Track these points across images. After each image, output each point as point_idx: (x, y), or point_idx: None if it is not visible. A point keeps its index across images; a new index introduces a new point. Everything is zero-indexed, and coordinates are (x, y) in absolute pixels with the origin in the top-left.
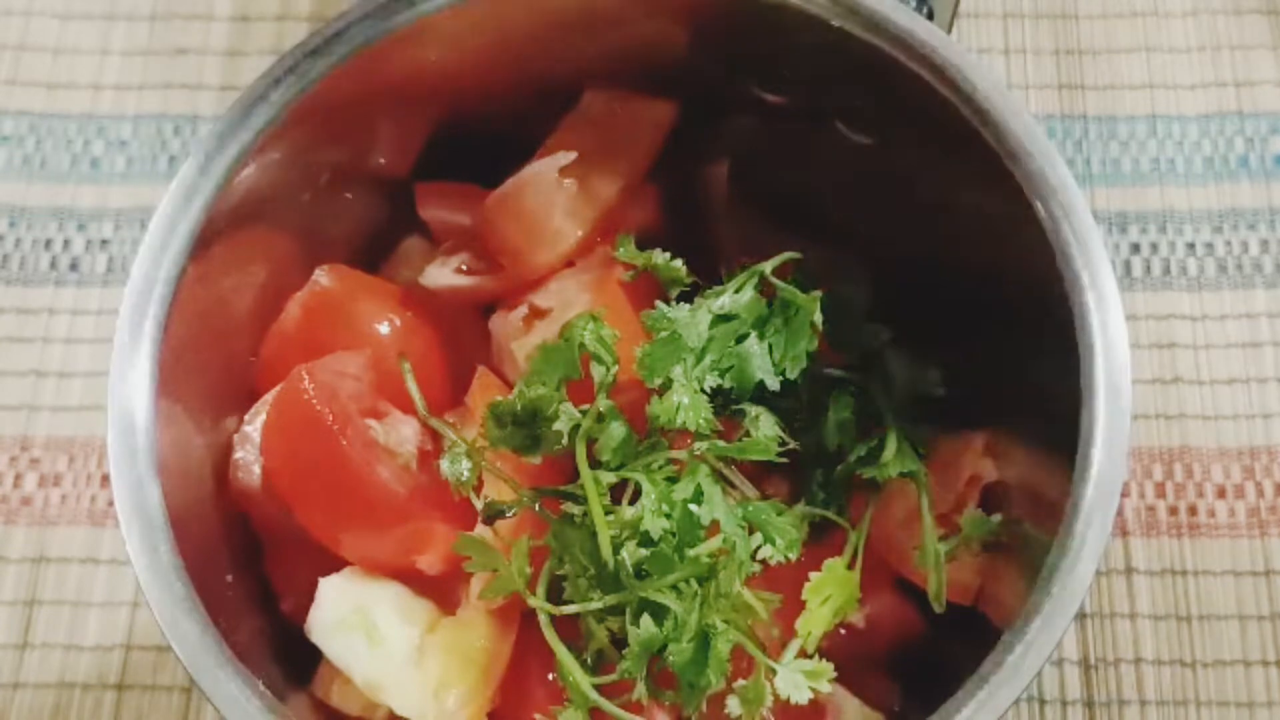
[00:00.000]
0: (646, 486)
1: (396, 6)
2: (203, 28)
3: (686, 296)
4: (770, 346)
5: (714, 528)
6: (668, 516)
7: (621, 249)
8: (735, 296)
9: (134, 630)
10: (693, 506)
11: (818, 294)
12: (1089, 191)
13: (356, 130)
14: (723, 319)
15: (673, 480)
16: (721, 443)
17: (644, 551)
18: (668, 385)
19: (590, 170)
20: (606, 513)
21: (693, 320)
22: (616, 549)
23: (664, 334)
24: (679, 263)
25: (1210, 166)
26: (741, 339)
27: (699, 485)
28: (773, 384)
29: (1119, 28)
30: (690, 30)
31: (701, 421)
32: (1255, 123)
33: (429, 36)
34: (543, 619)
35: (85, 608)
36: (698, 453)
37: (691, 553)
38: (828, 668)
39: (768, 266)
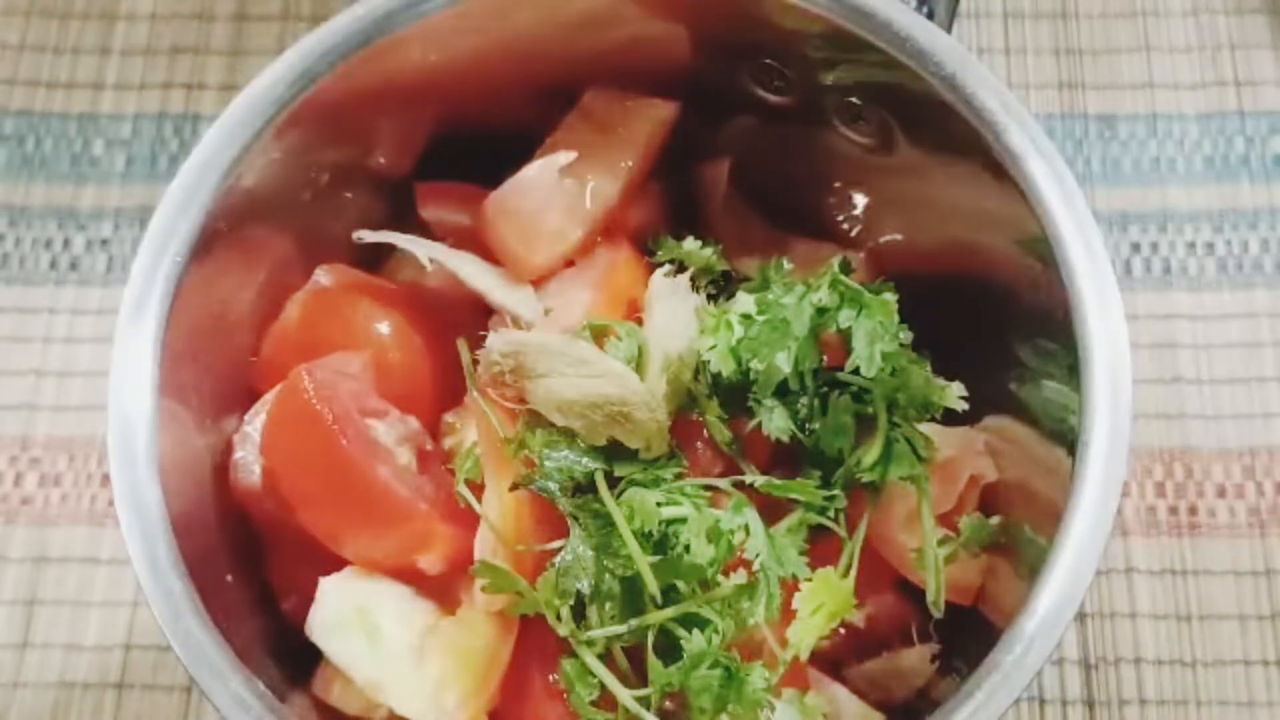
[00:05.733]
0: (693, 514)
1: (396, 7)
2: (203, 28)
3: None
4: (867, 339)
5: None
6: (710, 543)
7: (661, 247)
8: (828, 291)
9: (134, 630)
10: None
11: (891, 297)
12: (1089, 191)
13: (356, 130)
14: (821, 311)
15: (691, 495)
16: (776, 479)
17: (654, 559)
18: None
19: (590, 170)
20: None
21: (799, 308)
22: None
23: (769, 318)
24: (710, 251)
25: (1210, 166)
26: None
27: (747, 524)
28: (868, 371)
29: (1119, 27)
30: (690, 30)
31: (779, 428)
32: (1255, 123)
33: (429, 37)
34: (578, 647)
35: (85, 608)
36: (749, 484)
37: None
38: (821, 702)
39: (835, 263)
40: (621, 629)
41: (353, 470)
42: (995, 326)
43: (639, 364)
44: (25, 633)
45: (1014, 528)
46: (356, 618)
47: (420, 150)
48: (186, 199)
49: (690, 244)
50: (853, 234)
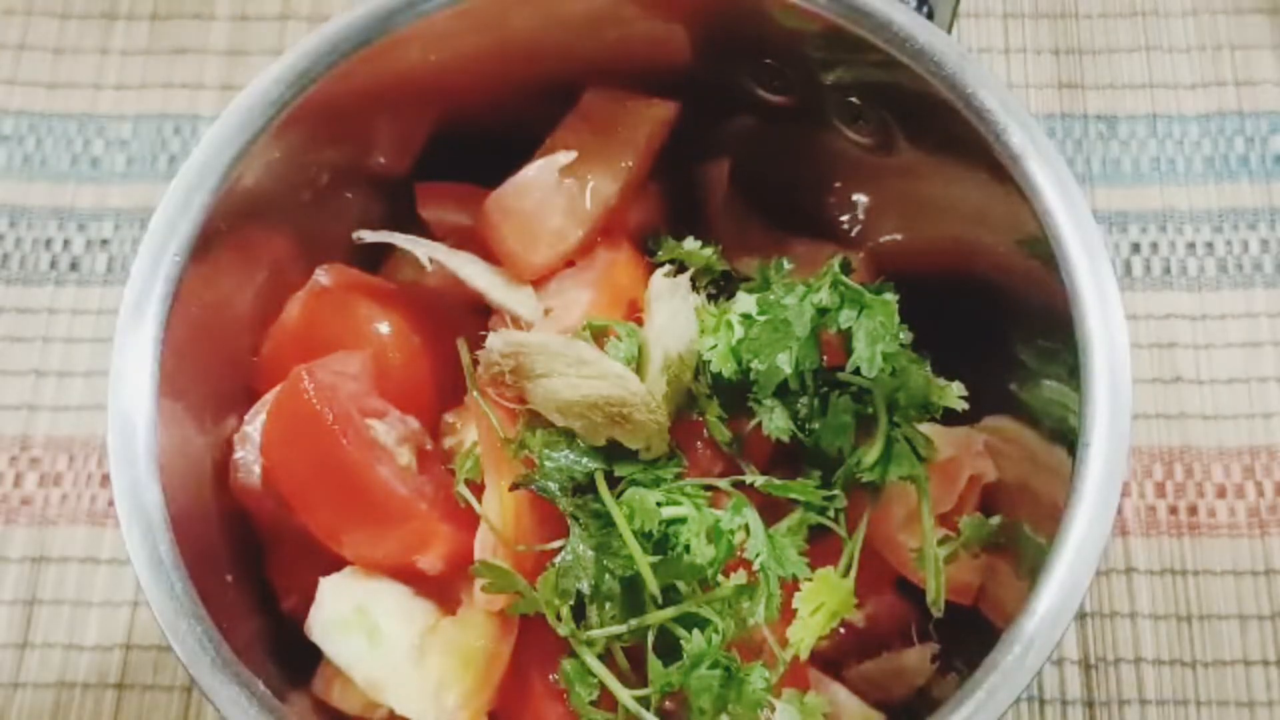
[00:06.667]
0: (694, 514)
1: (396, 7)
2: (203, 28)
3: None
4: (868, 340)
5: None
6: (711, 542)
7: (661, 247)
8: (829, 291)
9: (134, 630)
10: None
11: (892, 297)
12: (1089, 191)
13: (356, 130)
14: (822, 311)
15: (691, 495)
16: (776, 479)
17: (654, 559)
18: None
19: (590, 170)
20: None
21: (800, 309)
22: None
23: (770, 318)
24: (710, 251)
25: (1210, 166)
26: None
27: (747, 524)
28: (869, 372)
29: (1119, 27)
30: (690, 30)
31: (779, 428)
32: (1255, 122)
33: (429, 37)
34: (578, 647)
35: (85, 608)
36: (749, 484)
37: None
38: (821, 702)
39: (837, 264)
40: (621, 629)
41: (353, 470)
42: (995, 326)
43: (639, 364)
44: (25, 633)
45: (1014, 528)
46: (356, 618)
47: (420, 150)
48: (186, 199)
49: (690, 244)
50: (853, 234)
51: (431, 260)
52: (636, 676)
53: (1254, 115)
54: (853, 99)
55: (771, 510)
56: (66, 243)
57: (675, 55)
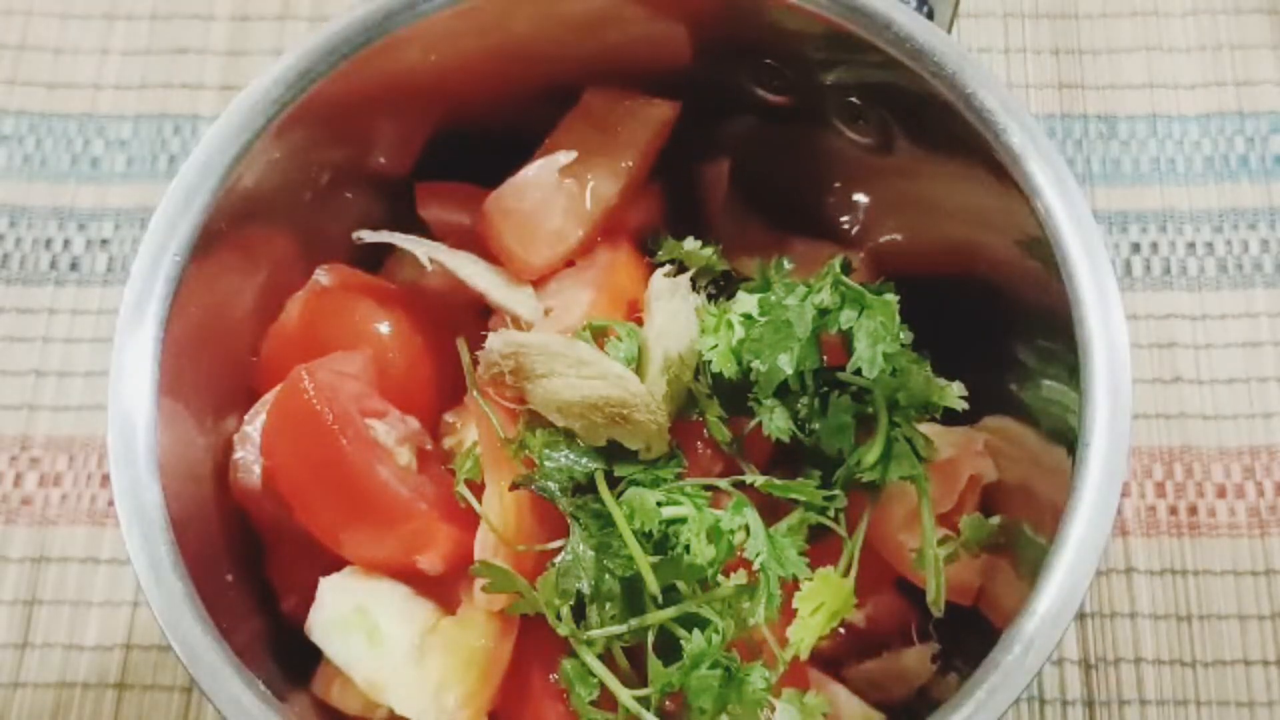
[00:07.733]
0: (694, 514)
1: (396, 7)
2: (203, 28)
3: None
4: (869, 340)
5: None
6: (711, 542)
7: (661, 247)
8: (830, 292)
9: (134, 630)
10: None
11: (893, 298)
12: (1089, 191)
13: (356, 130)
14: (823, 311)
15: (691, 495)
16: (776, 479)
17: (654, 559)
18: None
19: (590, 170)
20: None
21: (801, 309)
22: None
23: (772, 319)
24: (710, 251)
25: (1210, 166)
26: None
27: (747, 524)
28: (870, 373)
29: (1119, 27)
30: (690, 30)
31: (780, 428)
32: (1255, 123)
33: (429, 37)
34: (578, 647)
35: (85, 608)
36: (749, 484)
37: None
38: (821, 702)
39: (837, 264)
40: (621, 629)
41: (353, 470)
42: (995, 326)
43: (639, 364)
44: (25, 633)
45: (1014, 528)
46: (356, 618)
47: (420, 150)
48: (186, 199)
49: (690, 244)
50: (853, 234)
51: (431, 260)
52: (636, 676)
53: (1254, 115)
54: (853, 99)
55: (771, 510)
56: (66, 243)
57: (675, 55)
